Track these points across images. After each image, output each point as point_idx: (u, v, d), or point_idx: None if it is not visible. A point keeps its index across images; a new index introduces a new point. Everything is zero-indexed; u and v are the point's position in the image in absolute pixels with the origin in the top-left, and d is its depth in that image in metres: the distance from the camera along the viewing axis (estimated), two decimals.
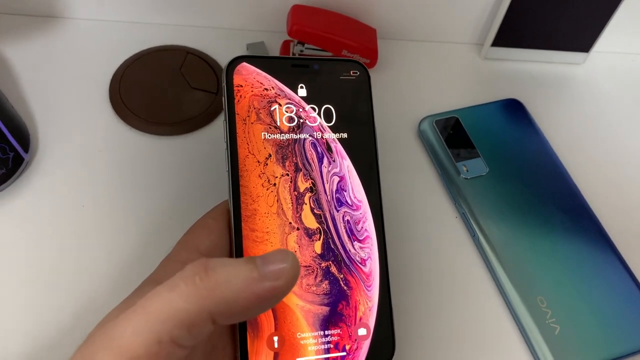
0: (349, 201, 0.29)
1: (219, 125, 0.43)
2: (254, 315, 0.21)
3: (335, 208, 0.29)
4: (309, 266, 0.28)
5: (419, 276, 0.37)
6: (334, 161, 0.30)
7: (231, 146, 0.28)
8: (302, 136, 0.30)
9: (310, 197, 0.29)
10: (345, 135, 0.30)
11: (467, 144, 0.43)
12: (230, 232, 0.27)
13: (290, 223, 0.28)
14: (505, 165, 0.42)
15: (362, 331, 0.28)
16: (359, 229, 0.29)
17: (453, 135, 0.43)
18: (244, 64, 0.30)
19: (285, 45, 0.47)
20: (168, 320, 0.19)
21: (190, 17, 0.48)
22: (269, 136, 0.29)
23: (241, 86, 0.29)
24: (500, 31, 0.48)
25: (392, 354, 0.28)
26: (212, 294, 0.19)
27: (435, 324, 0.36)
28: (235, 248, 0.27)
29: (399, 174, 0.42)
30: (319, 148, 0.30)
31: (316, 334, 0.27)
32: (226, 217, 0.28)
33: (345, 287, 0.28)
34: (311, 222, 0.28)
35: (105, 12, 0.47)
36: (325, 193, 0.29)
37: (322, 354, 0.27)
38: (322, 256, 0.28)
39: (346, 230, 0.29)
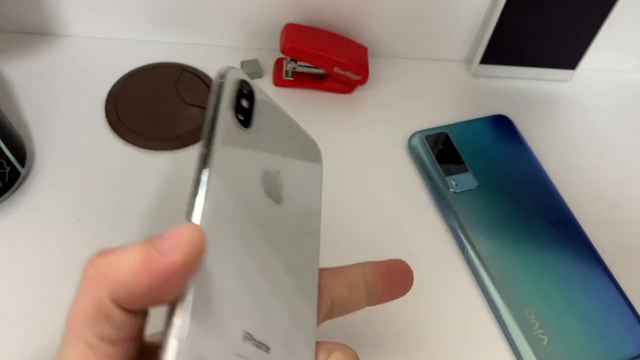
0: None
1: None
2: (160, 300, 0.19)
3: None
4: None
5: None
6: None
7: None
8: None
9: None
10: None
11: (456, 159, 0.44)
12: None
13: None
14: (494, 180, 0.43)
15: None
16: None
17: (443, 151, 0.44)
18: None
19: (279, 62, 0.48)
20: (85, 321, 0.18)
21: (186, 35, 0.49)
22: None
23: None
24: (488, 49, 0.49)
25: None
26: (107, 279, 0.18)
27: (424, 334, 0.36)
28: None
29: (389, 188, 0.43)
30: None
31: None
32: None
33: None
34: None
35: (101, 30, 0.48)
36: None
37: None
38: None
39: None
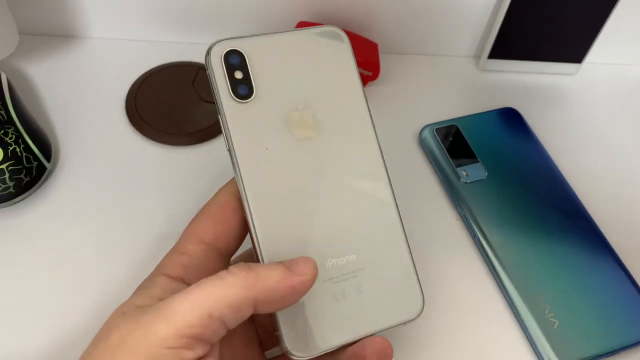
0: None
1: None
2: (287, 305, 0.25)
3: None
4: None
5: (422, 275, 0.39)
6: None
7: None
8: None
9: None
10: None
11: (466, 150, 0.45)
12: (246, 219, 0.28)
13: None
14: (503, 170, 0.44)
15: None
16: None
17: (453, 143, 0.45)
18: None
19: None
20: (220, 300, 0.23)
21: (202, 35, 0.50)
22: None
23: None
24: (496, 44, 0.50)
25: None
26: (257, 283, 0.24)
27: (437, 320, 0.37)
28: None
29: (401, 179, 0.44)
30: None
31: None
32: (232, 203, 0.28)
33: None
34: None
35: (121, 32, 0.50)
36: None
37: None
38: None
39: None
